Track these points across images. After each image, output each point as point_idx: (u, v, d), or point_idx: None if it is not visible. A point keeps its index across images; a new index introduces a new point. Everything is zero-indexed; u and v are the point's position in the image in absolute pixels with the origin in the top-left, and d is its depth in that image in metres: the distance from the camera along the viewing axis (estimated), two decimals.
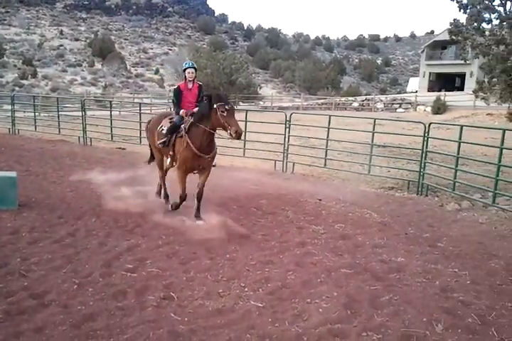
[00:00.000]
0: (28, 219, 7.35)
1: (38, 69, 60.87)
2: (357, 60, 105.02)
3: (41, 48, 72.55)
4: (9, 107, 19.66)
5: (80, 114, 17.58)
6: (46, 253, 5.93)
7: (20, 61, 63.84)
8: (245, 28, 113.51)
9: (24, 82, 55.60)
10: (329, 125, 12.76)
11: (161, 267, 5.71)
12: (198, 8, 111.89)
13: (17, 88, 52.19)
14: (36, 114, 20.37)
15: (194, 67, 7.92)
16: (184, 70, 7.90)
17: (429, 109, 37.30)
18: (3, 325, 4.27)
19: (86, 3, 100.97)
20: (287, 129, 13.02)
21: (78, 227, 7.09)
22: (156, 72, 71.26)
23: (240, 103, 43.83)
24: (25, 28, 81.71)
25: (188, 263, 5.50)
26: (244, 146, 13.82)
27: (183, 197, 7.58)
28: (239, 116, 8.25)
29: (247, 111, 14.59)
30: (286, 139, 13.04)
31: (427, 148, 10.81)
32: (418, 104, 40.42)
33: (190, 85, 7.82)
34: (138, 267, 5.70)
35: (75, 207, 8.16)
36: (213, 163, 7.81)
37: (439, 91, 45.29)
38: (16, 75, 57.25)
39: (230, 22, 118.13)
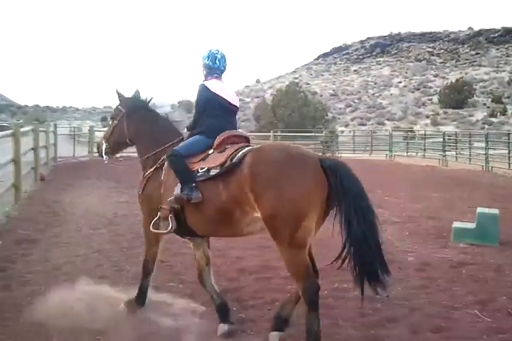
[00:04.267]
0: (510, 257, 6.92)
1: (508, 107, 60.61)
2: None
3: (510, 85, 72.22)
4: (481, 145, 20.17)
5: None
6: None
7: (489, 99, 65.17)
8: None
9: (493, 119, 56.36)
10: None
11: None
12: None
13: (486, 126, 53.31)
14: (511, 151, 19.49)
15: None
16: None
17: None
18: None
19: None
20: None
21: None
22: None
23: None
24: (494, 67, 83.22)
25: None
26: None
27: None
28: None
29: None
30: None
31: None
32: None
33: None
34: None
35: None
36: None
37: None
38: (485, 113, 58.60)
39: None
